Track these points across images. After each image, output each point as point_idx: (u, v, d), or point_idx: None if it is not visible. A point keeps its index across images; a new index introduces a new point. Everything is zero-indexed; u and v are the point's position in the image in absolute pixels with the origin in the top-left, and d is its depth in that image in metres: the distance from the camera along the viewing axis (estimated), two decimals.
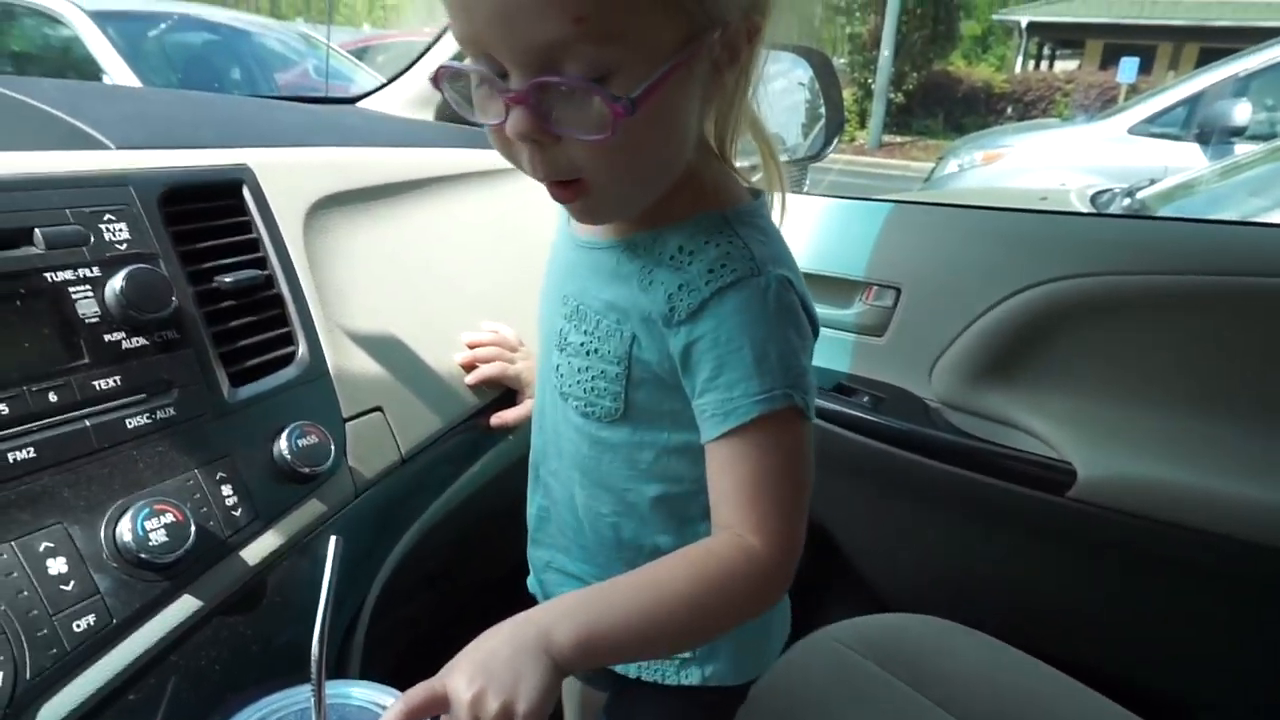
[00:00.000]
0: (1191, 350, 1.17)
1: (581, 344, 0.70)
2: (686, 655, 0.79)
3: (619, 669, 0.82)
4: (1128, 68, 13.92)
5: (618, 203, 0.63)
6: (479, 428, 0.96)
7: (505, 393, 0.99)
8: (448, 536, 0.94)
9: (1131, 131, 5.04)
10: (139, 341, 0.66)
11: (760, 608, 0.63)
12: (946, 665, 1.00)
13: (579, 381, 0.70)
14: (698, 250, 0.63)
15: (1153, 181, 3.01)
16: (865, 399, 1.30)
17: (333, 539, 0.54)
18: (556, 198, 0.62)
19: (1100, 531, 1.15)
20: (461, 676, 0.52)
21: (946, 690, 0.93)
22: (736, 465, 0.62)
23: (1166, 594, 1.18)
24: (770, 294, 0.61)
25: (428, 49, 1.48)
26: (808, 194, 1.59)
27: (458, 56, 1.28)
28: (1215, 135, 4.66)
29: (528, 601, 0.86)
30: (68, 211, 0.65)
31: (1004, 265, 1.28)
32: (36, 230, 0.63)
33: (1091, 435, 1.18)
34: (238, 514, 0.67)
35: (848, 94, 17.01)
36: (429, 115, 1.47)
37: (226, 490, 0.67)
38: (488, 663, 0.53)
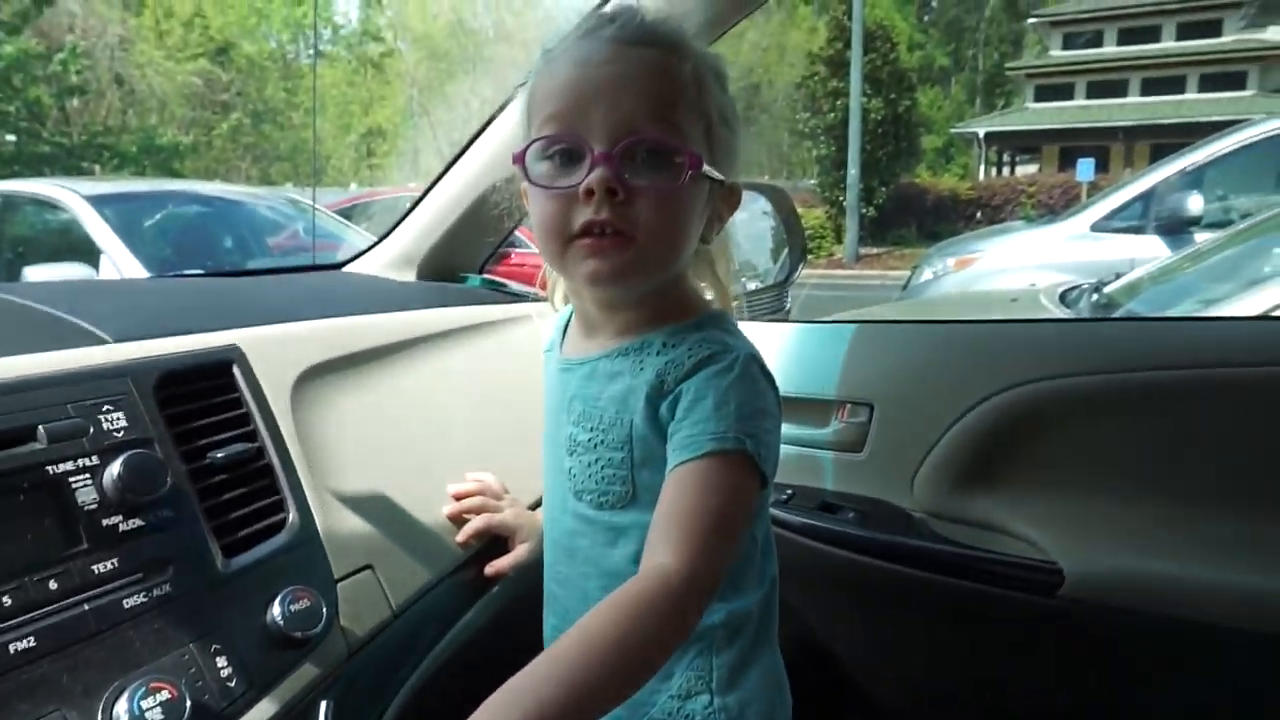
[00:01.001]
0: (1166, 443, 1.21)
1: (589, 439, 0.79)
2: None
3: None
4: (1084, 168, 14.54)
5: (647, 263, 0.75)
6: (470, 577, 0.98)
7: (494, 540, 1.01)
8: (447, 688, 0.94)
9: (1094, 228, 5.23)
10: (135, 523, 0.69)
11: (669, 631, 0.63)
12: None
13: (590, 475, 0.79)
14: (679, 342, 0.76)
15: (1119, 275, 3.12)
16: (850, 515, 1.32)
17: (323, 704, 0.55)
18: (598, 252, 0.73)
19: (1093, 629, 1.15)
20: None
21: None
22: (679, 492, 0.69)
23: (1166, 687, 1.17)
24: (738, 364, 0.73)
25: (409, 211, 1.57)
26: (782, 318, 1.66)
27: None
28: (1173, 226, 4.83)
29: None
30: (69, 406, 0.70)
31: (973, 374, 1.32)
32: (40, 427, 0.67)
33: (1075, 533, 1.19)
34: (232, 685, 0.68)
35: (820, 212, 17.65)
36: (411, 274, 1.55)
37: (221, 661, 0.69)
38: None
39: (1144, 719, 1.19)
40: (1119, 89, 22.79)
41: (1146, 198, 5.15)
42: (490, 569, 0.99)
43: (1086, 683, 1.21)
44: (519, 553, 1.00)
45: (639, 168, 0.71)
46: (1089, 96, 23.35)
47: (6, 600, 0.61)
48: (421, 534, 0.94)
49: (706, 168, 0.74)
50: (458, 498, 1.00)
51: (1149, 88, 22.17)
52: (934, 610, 1.28)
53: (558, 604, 0.87)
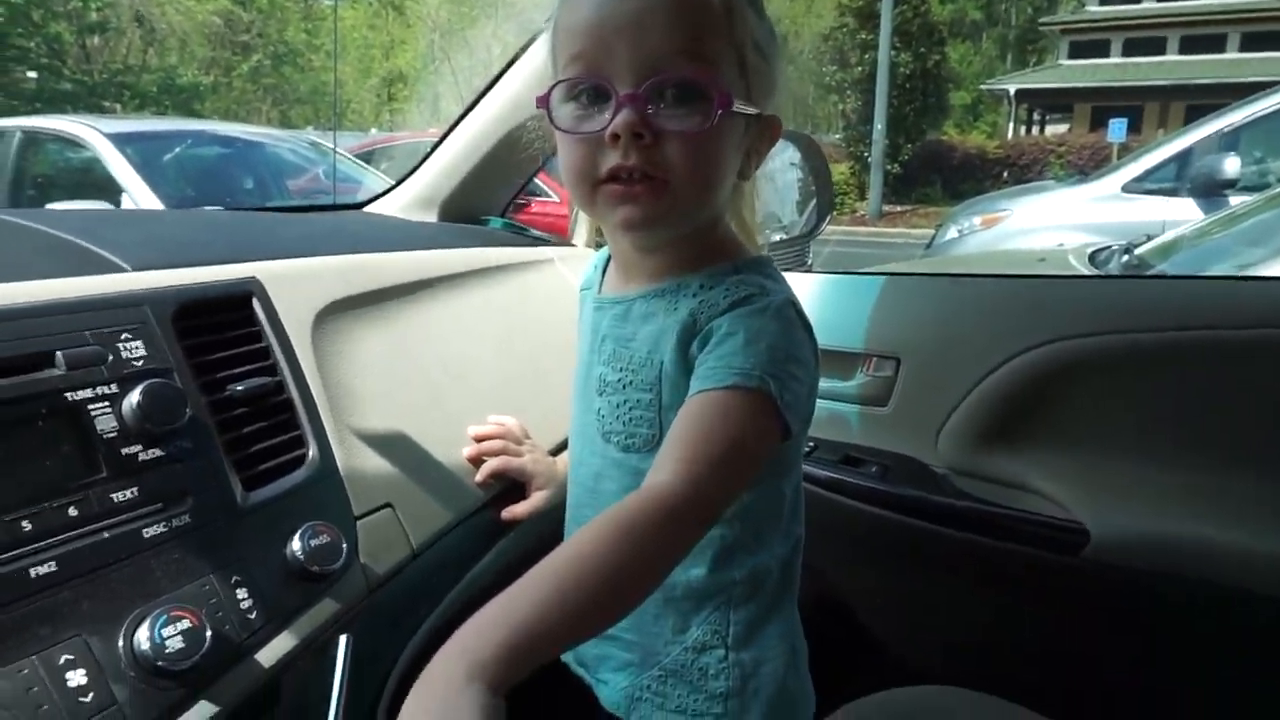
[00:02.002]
0: (1195, 404, 1.18)
1: (618, 379, 0.78)
2: (718, 712, 0.79)
3: None
4: (1117, 128, 14.20)
5: (682, 208, 0.72)
6: (489, 520, 0.97)
7: (513, 485, 1.00)
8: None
9: (1125, 189, 5.12)
10: (155, 453, 0.69)
11: (675, 546, 0.60)
12: None
13: (618, 416, 0.78)
14: (716, 285, 0.74)
15: (1149, 237, 3.05)
16: (873, 469, 1.31)
17: (343, 638, 0.55)
18: (627, 199, 0.70)
19: (1117, 590, 1.14)
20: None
21: None
22: (693, 416, 0.67)
23: (1189, 651, 1.15)
24: (773, 307, 0.71)
25: (429, 153, 1.55)
26: (805, 271, 1.63)
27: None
28: (1208, 188, 4.73)
29: (561, 673, 0.87)
30: (87, 333, 0.69)
31: (1001, 330, 1.30)
32: (58, 353, 0.66)
33: (1101, 493, 1.18)
34: (252, 617, 0.68)
35: (844, 167, 17.38)
36: (433, 216, 1.53)
37: (241, 593, 0.69)
38: (419, 706, 0.47)
39: (1167, 682, 1.18)
40: (1157, 46, 22.13)
41: (1181, 159, 5.02)
42: (507, 514, 0.98)
43: (1109, 643, 1.20)
44: (536, 499, 1.00)
45: (667, 108, 0.68)
46: (1125, 54, 22.70)
47: (27, 525, 0.60)
48: (441, 474, 0.93)
49: (739, 104, 0.70)
50: (478, 439, 0.99)
51: (1188, 46, 21.52)
52: (956, 567, 1.27)
53: None
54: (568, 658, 0.89)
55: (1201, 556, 1.10)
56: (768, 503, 0.80)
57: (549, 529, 1.03)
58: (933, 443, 1.30)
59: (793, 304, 0.73)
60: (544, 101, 0.72)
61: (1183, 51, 21.69)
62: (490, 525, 0.97)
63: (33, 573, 0.59)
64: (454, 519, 0.92)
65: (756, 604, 0.80)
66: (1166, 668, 1.17)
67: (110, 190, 4.17)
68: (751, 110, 0.72)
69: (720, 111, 0.68)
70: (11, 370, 0.64)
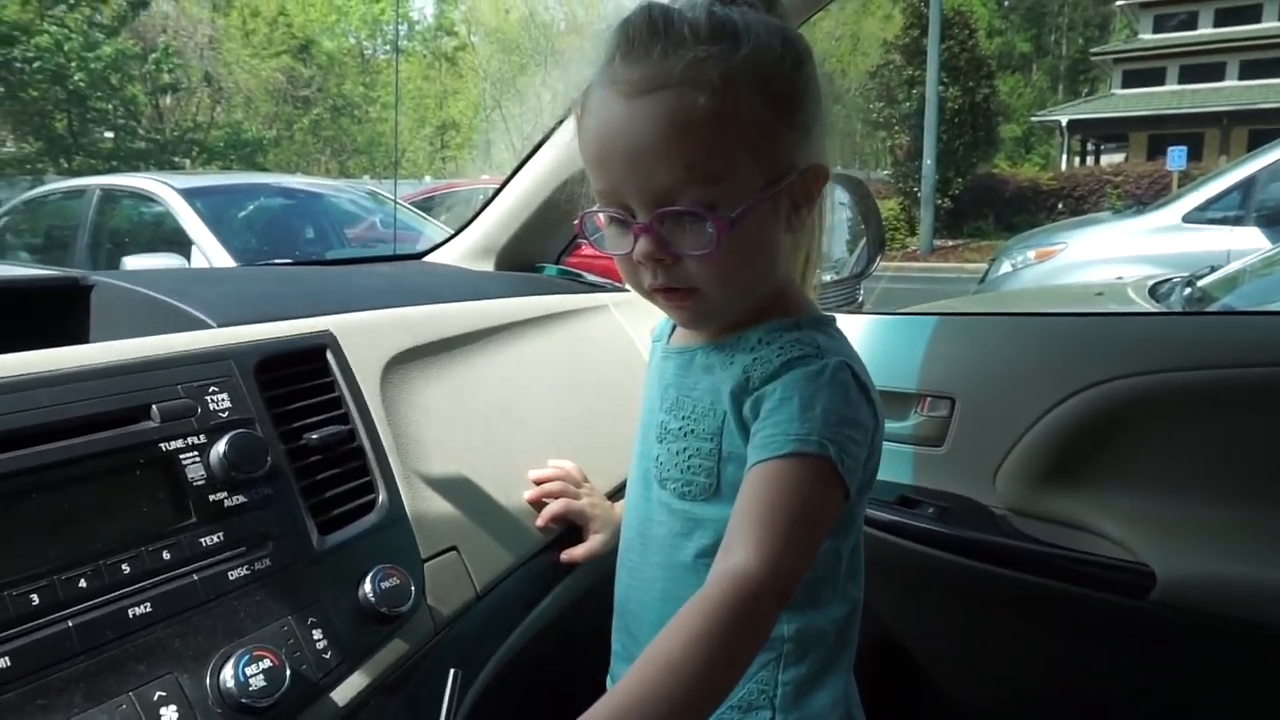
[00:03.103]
0: (1261, 442, 1.16)
1: (679, 428, 0.79)
2: None
3: None
4: (1176, 156, 13.92)
5: (720, 307, 0.76)
6: (549, 562, 0.99)
7: (572, 527, 1.03)
8: (525, 670, 0.96)
9: (1186, 219, 5.01)
10: (239, 499, 0.73)
11: (761, 629, 0.63)
12: None
13: (676, 464, 0.79)
14: (772, 340, 0.75)
15: (1213, 268, 2.98)
16: (930, 510, 1.30)
17: (452, 671, 0.56)
18: (672, 304, 0.76)
19: (1185, 634, 1.11)
20: None
21: None
22: (759, 489, 0.67)
23: (1260, 699, 1.12)
24: (828, 370, 0.71)
25: (486, 204, 1.60)
26: (856, 311, 1.63)
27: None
28: (1275, 217, 4.59)
29: None
30: (179, 387, 0.74)
31: (1059, 368, 1.29)
32: (153, 406, 0.71)
33: (1166, 535, 1.15)
34: (328, 656, 0.71)
35: (894, 203, 17.29)
36: (490, 264, 1.58)
37: (317, 634, 0.72)
38: None
39: None
40: (1215, 73, 21.70)
41: (1245, 187, 4.90)
42: (565, 557, 1.00)
43: (1175, 690, 1.17)
44: (593, 543, 1.02)
45: (678, 232, 0.70)
46: (1181, 81, 22.30)
47: (126, 568, 0.64)
48: (503, 518, 0.96)
49: (755, 198, 0.70)
50: (538, 483, 1.02)
51: (1248, 71, 21.06)
52: (1016, 610, 1.25)
53: (626, 594, 0.87)
54: None
55: (1273, 601, 1.07)
56: (824, 564, 0.79)
57: (605, 572, 1.05)
58: (990, 483, 1.29)
59: (849, 365, 0.73)
60: (580, 226, 0.79)
61: (1243, 76, 21.22)
62: (550, 568, 0.99)
63: (131, 613, 0.63)
64: (515, 561, 0.94)
65: (808, 666, 0.78)
66: (1236, 715, 1.14)
67: (181, 243, 4.36)
68: (780, 183, 0.72)
69: (724, 234, 0.69)
70: (113, 423, 0.69)
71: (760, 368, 0.73)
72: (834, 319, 0.80)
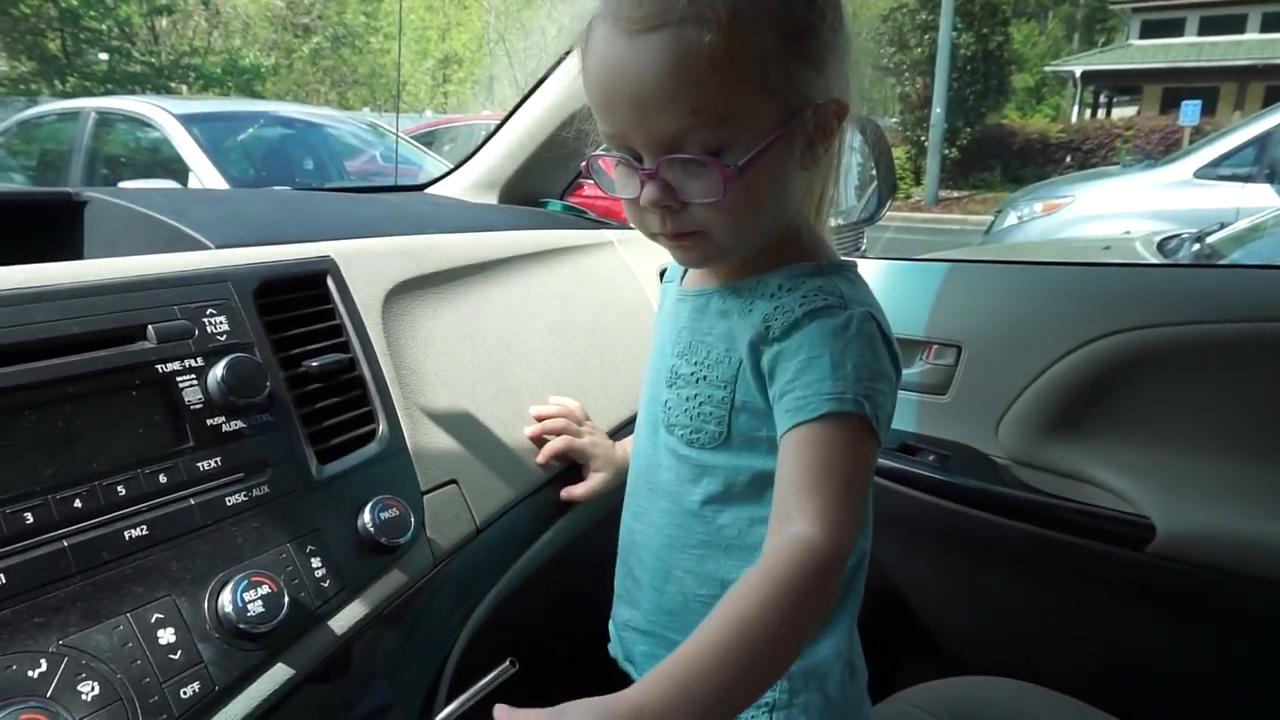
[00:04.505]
0: (1267, 397, 1.15)
1: (691, 373, 0.77)
2: None
3: None
4: (1190, 110, 13.70)
5: (731, 251, 0.74)
6: (549, 499, 0.99)
7: (573, 465, 1.02)
8: (522, 607, 0.97)
9: (1198, 175, 4.95)
10: (237, 425, 0.72)
11: (829, 596, 0.63)
12: None
13: (685, 410, 0.77)
14: (794, 288, 0.72)
15: (1223, 225, 2.95)
16: (931, 457, 1.30)
17: (509, 661, 0.54)
18: (681, 250, 0.74)
19: (1183, 587, 1.11)
20: None
21: None
22: (802, 455, 0.66)
23: (1256, 652, 1.13)
24: (854, 322, 0.69)
25: (490, 137, 1.56)
26: (864, 257, 1.61)
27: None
28: None
29: (609, 667, 0.88)
30: (176, 308, 0.72)
31: (1067, 319, 1.27)
32: (149, 326, 0.69)
33: (1168, 488, 1.15)
34: (326, 585, 0.71)
35: (901, 152, 17.04)
36: (493, 198, 1.55)
37: (315, 563, 0.71)
38: None
39: (1232, 683, 1.16)
40: (1236, 24, 21.22)
41: (1260, 143, 4.83)
42: (565, 494, 1.00)
43: (1172, 641, 1.18)
44: (593, 481, 1.01)
45: (686, 178, 0.68)
46: (1201, 32, 21.80)
47: (121, 490, 0.63)
48: (503, 453, 0.95)
49: (746, 160, 0.66)
50: (540, 419, 1.01)
51: (1270, 23, 20.60)
52: (1015, 559, 1.25)
53: (631, 537, 0.87)
54: (615, 653, 0.90)
55: (1273, 555, 1.07)
56: None
57: (606, 511, 1.04)
58: (993, 432, 1.28)
59: (874, 316, 0.71)
60: (586, 170, 0.77)
61: (1264, 29, 20.75)
62: (550, 505, 0.99)
63: (127, 535, 0.62)
64: (515, 497, 0.94)
65: None
66: (1232, 668, 1.15)
67: (177, 170, 4.29)
68: (793, 120, 0.68)
69: (731, 182, 0.66)
70: (108, 342, 0.67)
71: (781, 318, 0.70)
72: (855, 264, 0.77)
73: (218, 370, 0.70)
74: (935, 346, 1.34)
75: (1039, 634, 1.29)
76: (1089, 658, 1.21)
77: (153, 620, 0.61)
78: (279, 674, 0.65)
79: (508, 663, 0.53)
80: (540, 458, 0.98)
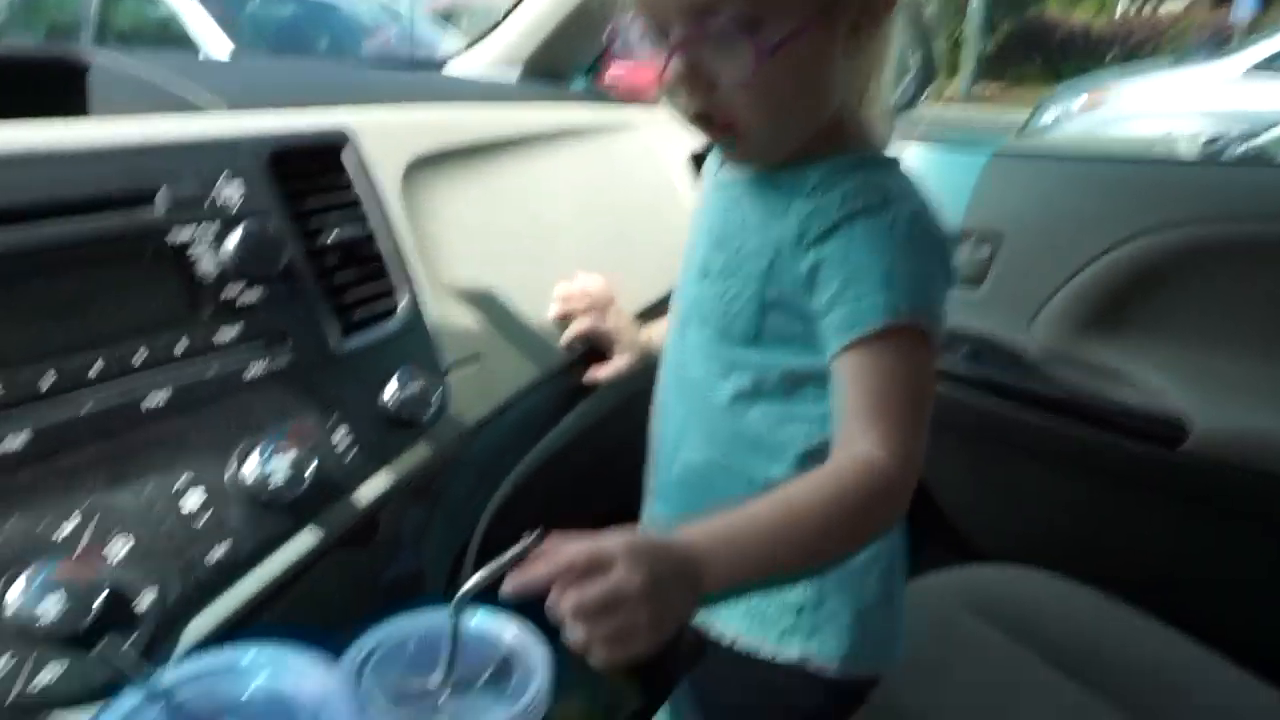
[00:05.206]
0: None
1: (723, 267, 0.74)
2: (788, 625, 0.78)
3: (713, 635, 0.83)
4: (1244, 5, 12.96)
5: (763, 144, 0.68)
6: (572, 380, 0.98)
7: (597, 347, 1.00)
8: (546, 486, 0.97)
9: (1248, 74, 4.72)
10: (254, 296, 0.69)
11: (890, 519, 0.62)
12: (1047, 617, 0.98)
13: (717, 305, 0.74)
14: (834, 184, 0.66)
15: (1275, 125, 2.82)
16: (963, 350, 1.27)
17: (535, 532, 0.53)
18: (711, 136, 0.69)
19: (1215, 487, 1.10)
20: (635, 570, 0.50)
21: (1046, 641, 0.91)
22: (862, 377, 0.63)
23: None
24: (901, 223, 0.64)
25: (510, 10, 1.48)
26: (905, 144, 1.54)
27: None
28: None
29: None
30: (188, 173, 0.68)
31: (1110, 214, 1.22)
32: (160, 190, 0.66)
33: (1205, 388, 1.12)
34: (350, 458, 0.70)
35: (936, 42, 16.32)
36: (515, 76, 1.48)
37: (338, 435, 0.70)
38: (658, 577, 0.51)
39: (1260, 587, 1.15)
40: None
41: None
42: (589, 376, 0.99)
43: (1201, 542, 1.17)
44: (617, 364, 0.99)
45: (716, 55, 0.62)
46: None
47: (137, 359, 0.62)
48: (527, 332, 0.93)
49: (780, 40, 0.60)
50: (564, 299, 0.98)
51: None
52: (1043, 454, 1.24)
53: (659, 432, 0.86)
54: None
55: None
56: None
57: (629, 396, 1.03)
58: (1027, 326, 1.25)
59: (922, 214, 0.65)
60: (611, 41, 0.71)
61: None
62: (574, 385, 0.97)
63: (145, 405, 0.61)
64: (539, 376, 0.92)
65: None
66: (1261, 570, 1.14)
67: (188, 47, 4.18)
68: (838, 1, 0.62)
69: (762, 60, 0.60)
70: (115, 205, 0.64)
71: (819, 220, 0.65)
72: (899, 158, 0.71)
73: (232, 238, 0.68)
74: (974, 237, 1.30)
75: (1063, 528, 1.29)
76: (1113, 554, 1.21)
77: (177, 486, 0.60)
78: (306, 541, 0.65)
79: (535, 534, 0.52)
80: (564, 338, 0.96)
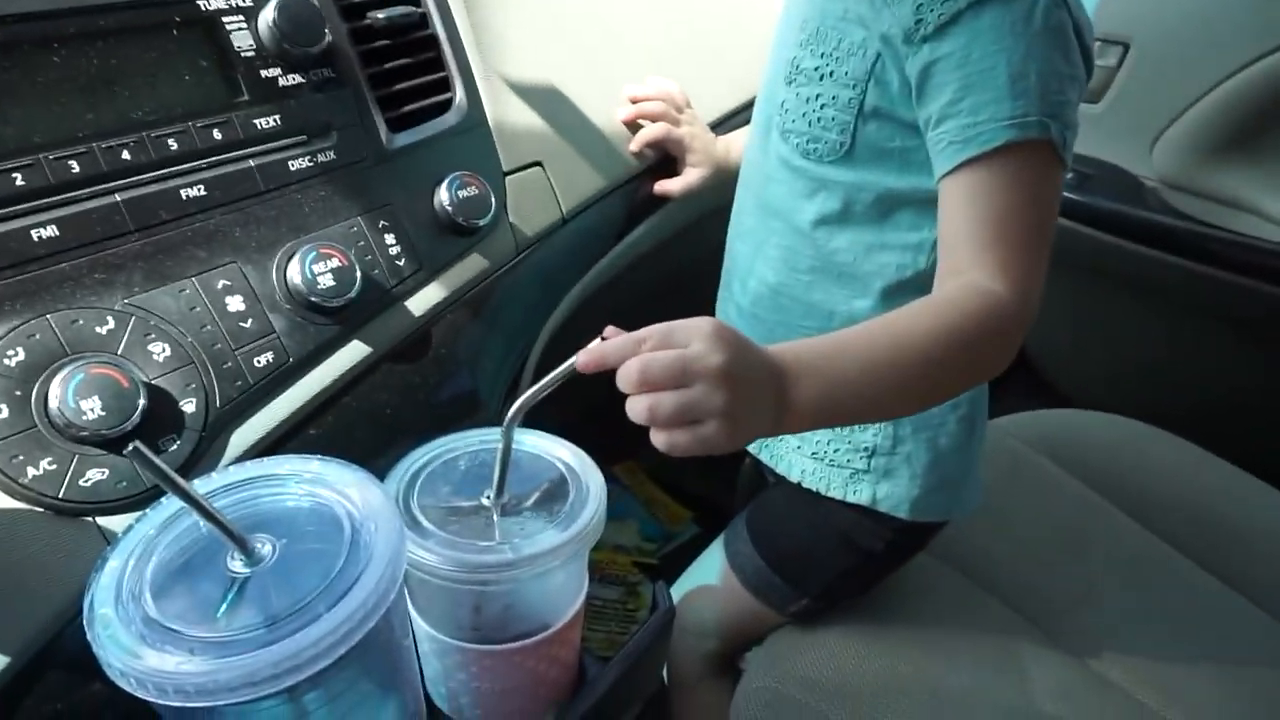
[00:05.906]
0: None
1: (816, 68, 0.65)
2: (860, 467, 0.74)
3: (781, 470, 0.80)
4: None
5: None
6: (641, 192, 0.90)
7: (669, 157, 0.92)
8: (609, 304, 0.92)
9: None
10: (295, 79, 0.63)
11: (1003, 360, 0.56)
12: (1126, 463, 0.92)
13: (805, 114, 0.66)
14: None
15: None
16: (1070, 175, 1.15)
17: (580, 360, 0.47)
18: None
19: None
20: (714, 351, 0.45)
21: (1122, 487, 0.86)
22: (977, 201, 0.55)
23: None
24: (1038, 10, 0.54)
25: None
26: None
27: None
28: None
29: None
30: None
31: (1257, 22, 1.06)
32: None
33: None
34: (401, 264, 0.66)
35: None
36: None
37: (389, 239, 0.66)
38: (738, 368, 0.45)
39: None
40: None
41: None
42: (659, 188, 0.91)
43: None
44: (690, 176, 0.92)
45: None
46: None
47: (173, 144, 0.57)
48: (594, 136, 0.85)
49: None
50: (635, 101, 0.89)
51: None
52: (1151, 293, 1.14)
53: (734, 258, 0.80)
54: None
55: None
56: None
57: (700, 213, 0.96)
58: (1148, 150, 1.12)
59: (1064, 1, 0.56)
60: None
61: None
62: (643, 198, 0.90)
63: (183, 194, 0.57)
64: (605, 186, 0.85)
65: None
66: None
67: None
68: None
69: None
70: None
71: (939, 6, 0.55)
72: None
73: (268, 12, 0.60)
74: (1098, 42, 1.14)
75: (1156, 372, 1.20)
76: (1210, 404, 1.13)
77: (219, 286, 0.56)
78: (355, 350, 0.62)
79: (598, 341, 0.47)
80: (634, 145, 0.88)
